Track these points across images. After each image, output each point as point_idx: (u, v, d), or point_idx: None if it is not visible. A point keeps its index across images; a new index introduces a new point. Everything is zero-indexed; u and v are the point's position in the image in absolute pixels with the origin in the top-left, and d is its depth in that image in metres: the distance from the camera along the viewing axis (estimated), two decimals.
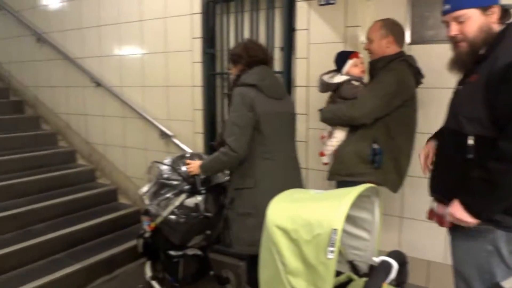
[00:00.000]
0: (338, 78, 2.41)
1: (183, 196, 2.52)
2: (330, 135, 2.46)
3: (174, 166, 2.59)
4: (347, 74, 2.40)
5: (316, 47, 2.94)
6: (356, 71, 2.41)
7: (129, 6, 4.01)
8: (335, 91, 2.44)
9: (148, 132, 4.04)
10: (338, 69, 2.45)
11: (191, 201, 2.52)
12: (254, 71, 2.32)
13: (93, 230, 3.68)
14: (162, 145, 3.93)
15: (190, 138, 3.71)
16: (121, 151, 4.32)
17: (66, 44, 4.65)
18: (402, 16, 2.65)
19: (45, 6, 4.82)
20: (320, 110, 2.47)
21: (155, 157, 3.97)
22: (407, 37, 2.62)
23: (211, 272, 2.96)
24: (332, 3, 2.82)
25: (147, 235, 2.75)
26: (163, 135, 3.86)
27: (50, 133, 4.89)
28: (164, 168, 2.62)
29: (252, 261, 2.03)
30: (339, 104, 2.37)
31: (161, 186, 2.59)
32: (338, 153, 2.40)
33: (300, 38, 3.01)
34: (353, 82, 2.37)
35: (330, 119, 2.40)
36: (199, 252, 2.89)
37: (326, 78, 2.47)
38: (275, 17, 3.21)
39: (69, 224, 3.61)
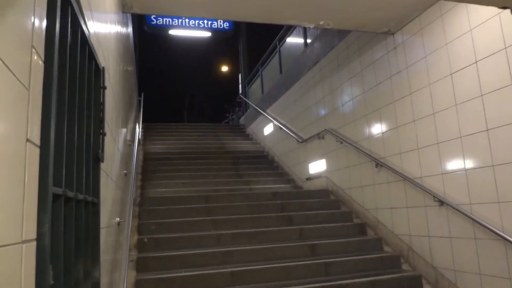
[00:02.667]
0: None
1: None
2: None
3: None
4: None
5: None
6: None
7: (472, 117, 3.76)
8: None
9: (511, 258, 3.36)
10: None
11: None
12: None
13: None
14: None
15: None
16: (476, 280, 3.72)
17: (403, 165, 4.72)
18: None
19: (380, 134, 5.17)
20: None
21: None
22: None
23: None
24: None
25: None
26: None
27: (392, 255, 4.81)
28: None
29: None
30: None
31: None
32: None
33: None
34: None
35: None
36: None
37: None
38: None
39: None
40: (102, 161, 1.88)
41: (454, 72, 3.97)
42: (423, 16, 4.43)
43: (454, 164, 3.97)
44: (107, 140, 2.87)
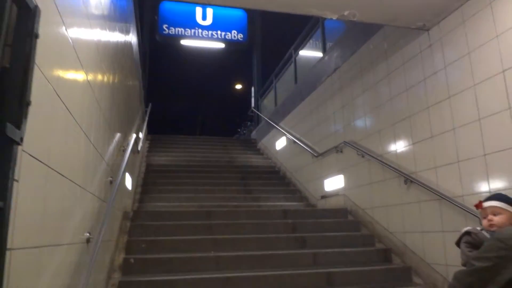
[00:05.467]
0: None
1: None
2: None
3: None
4: None
5: None
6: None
7: None
8: None
9: None
10: None
11: None
12: None
13: None
14: None
15: None
16: None
17: (439, 182, 3.99)
18: None
19: (410, 146, 4.45)
20: None
21: None
22: None
23: None
24: None
25: None
26: None
27: None
28: None
29: None
30: None
31: None
32: None
33: None
34: None
35: None
36: None
37: None
38: None
39: None
40: (20, 143, 1.22)
41: (508, 69, 3.26)
42: (466, 6, 3.76)
43: (507, 181, 3.23)
44: (77, 137, 2.24)
